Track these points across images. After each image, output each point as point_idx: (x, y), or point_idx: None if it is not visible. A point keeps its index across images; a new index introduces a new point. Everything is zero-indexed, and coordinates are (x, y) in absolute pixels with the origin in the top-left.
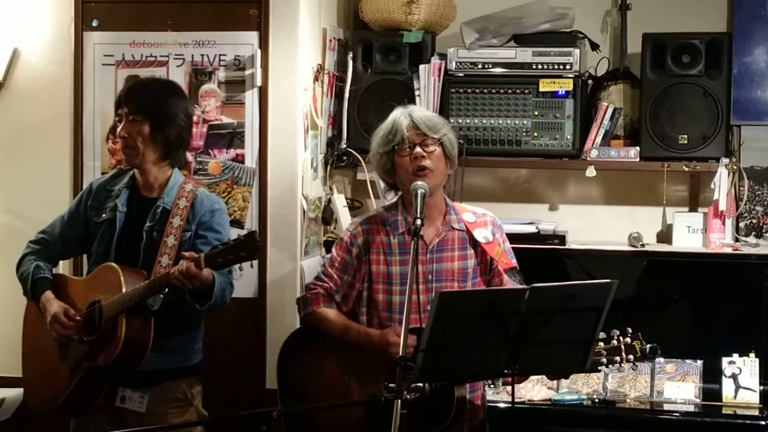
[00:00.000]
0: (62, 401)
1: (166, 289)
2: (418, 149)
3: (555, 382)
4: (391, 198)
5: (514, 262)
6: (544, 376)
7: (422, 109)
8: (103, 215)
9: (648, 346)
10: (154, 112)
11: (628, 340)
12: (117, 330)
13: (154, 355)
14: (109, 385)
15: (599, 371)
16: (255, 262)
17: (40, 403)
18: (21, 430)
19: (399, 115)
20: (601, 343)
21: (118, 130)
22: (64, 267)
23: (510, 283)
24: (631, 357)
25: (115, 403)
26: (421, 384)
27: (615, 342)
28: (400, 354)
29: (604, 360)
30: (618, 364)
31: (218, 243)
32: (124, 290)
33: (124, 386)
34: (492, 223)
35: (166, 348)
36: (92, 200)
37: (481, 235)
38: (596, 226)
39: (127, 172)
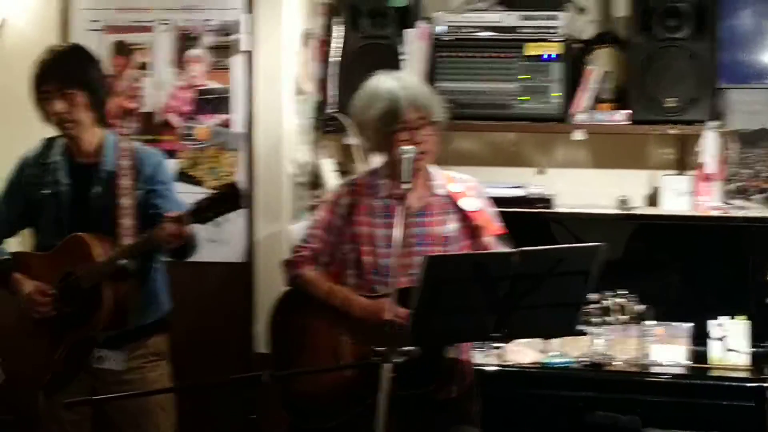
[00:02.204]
0: (50, 377)
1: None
2: (418, 136)
3: (544, 344)
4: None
5: (502, 228)
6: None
7: (413, 80)
8: (45, 190)
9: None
10: (84, 79)
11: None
12: (101, 298)
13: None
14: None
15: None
16: (243, 228)
17: (25, 384)
18: None
19: (395, 91)
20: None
21: (51, 107)
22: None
23: (499, 248)
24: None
25: (91, 364)
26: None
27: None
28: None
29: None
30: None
31: (169, 193)
32: (95, 257)
33: (99, 347)
34: (475, 189)
35: (142, 305)
36: (27, 176)
37: (467, 204)
38: (584, 189)
39: (56, 140)
